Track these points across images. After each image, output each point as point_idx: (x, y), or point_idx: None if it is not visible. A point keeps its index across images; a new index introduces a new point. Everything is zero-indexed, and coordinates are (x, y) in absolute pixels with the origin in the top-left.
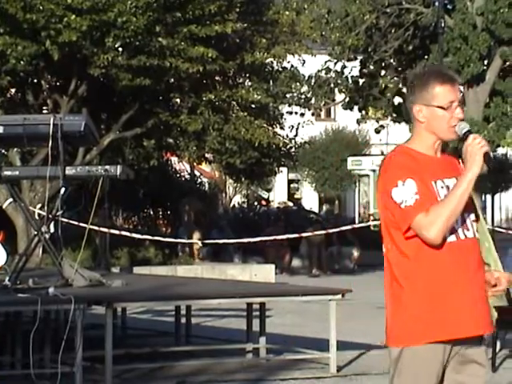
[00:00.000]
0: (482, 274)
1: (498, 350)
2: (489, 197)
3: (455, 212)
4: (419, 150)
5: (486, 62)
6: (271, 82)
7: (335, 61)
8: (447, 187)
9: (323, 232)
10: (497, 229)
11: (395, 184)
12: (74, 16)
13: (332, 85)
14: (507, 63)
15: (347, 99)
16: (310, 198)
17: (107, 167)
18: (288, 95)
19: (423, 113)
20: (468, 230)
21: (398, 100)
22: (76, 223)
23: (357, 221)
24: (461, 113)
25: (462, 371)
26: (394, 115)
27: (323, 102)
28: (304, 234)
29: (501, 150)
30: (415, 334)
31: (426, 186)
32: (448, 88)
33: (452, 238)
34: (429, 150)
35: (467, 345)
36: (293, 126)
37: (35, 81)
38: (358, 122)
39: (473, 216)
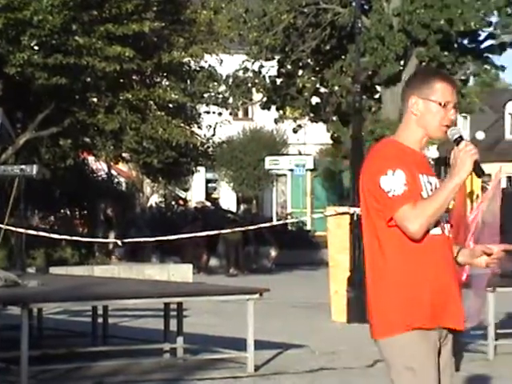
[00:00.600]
0: (456, 269)
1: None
2: None
3: (439, 211)
4: (406, 144)
5: (402, 62)
6: (189, 81)
7: (253, 60)
8: (430, 183)
9: (241, 229)
10: None
11: (385, 172)
12: None
13: (250, 84)
14: (423, 63)
15: (265, 99)
16: (227, 198)
17: (23, 167)
18: (206, 95)
19: (419, 106)
20: (445, 228)
21: (315, 99)
22: None
23: (274, 220)
24: (454, 114)
25: (444, 361)
26: (312, 115)
27: (241, 102)
28: (223, 231)
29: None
30: (401, 323)
31: (414, 179)
32: (448, 87)
33: (436, 231)
34: (415, 144)
35: (447, 334)
36: (210, 126)
37: None
38: (276, 121)
39: (447, 216)
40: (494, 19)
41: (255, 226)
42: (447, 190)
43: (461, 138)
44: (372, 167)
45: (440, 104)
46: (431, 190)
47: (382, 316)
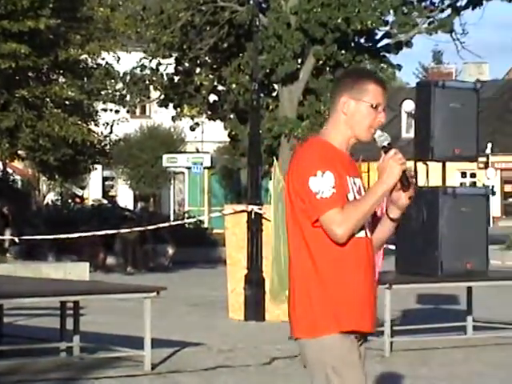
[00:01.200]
0: (375, 272)
1: None
2: None
3: (365, 217)
4: (333, 143)
5: (299, 61)
6: (86, 78)
7: (150, 58)
8: (355, 185)
9: (139, 229)
10: None
11: (314, 173)
12: None
13: (147, 82)
14: (320, 62)
15: (162, 96)
16: (125, 196)
17: None
18: (103, 92)
19: (350, 106)
20: (369, 229)
21: (213, 97)
22: None
23: (172, 218)
24: (384, 117)
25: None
26: (209, 113)
27: (138, 100)
28: (122, 230)
29: None
30: (328, 324)
31: (342, 181)
32: (381, 90)
33: (361, 234)
34: (342, 145)
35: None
36: (107, 123)
37: None
38: (174, 119)
39: (369, 218)
40: (390, 18)
41: (154, 226)
42: (374, 196)
43: (390, 146)
44: (300, 167)
45: (372, 106)
46: (357, 191)
47: (307, 316)
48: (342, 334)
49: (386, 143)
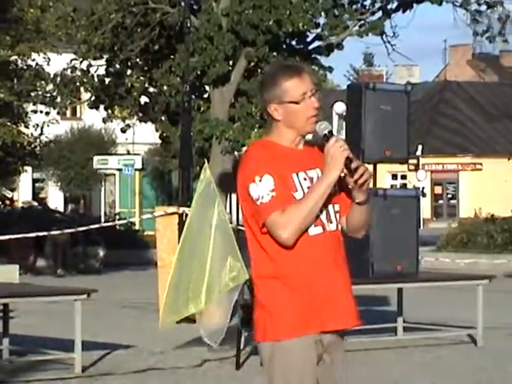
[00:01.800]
0: (346, 266)
1: (242, 347)
2: (234, 196)
3: (310, 214)
4: (281, 142)
5: (231, 63)
6: (15, 80)
7: (81, 59)
8: (311, 179)
9: (70, 230)
10: (241, 227)
11: (252, 179)
12: None
13: (78, 83)
14: (252, 64)
15: (93, 98)
16: (55, 198)
17: None
18: (33, 93)
19: (279, 111)
20: (331, 222)
21: (144, 99)
22: None
23: (103, 220)
24: (316, 102)
25: (331, 360)
26: (140, 114)
27: (69, 101)
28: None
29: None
30: (283, 328)
31: (285, 182)
32: (296, 81)
33: (316, 231)
34: (291, 143)
35: (333, 336)
36: (38, 125)
37: None
38: (104, 120)
39: (337, 207)
40: (321, 21)
41: (84, 228)
42: (318, 191)
43: (330, 134)
44: (242, 173)
45: (296, 102)
46: (309, 187)
47: (265, 319)
48: (300, 338)
49: (326, 131)
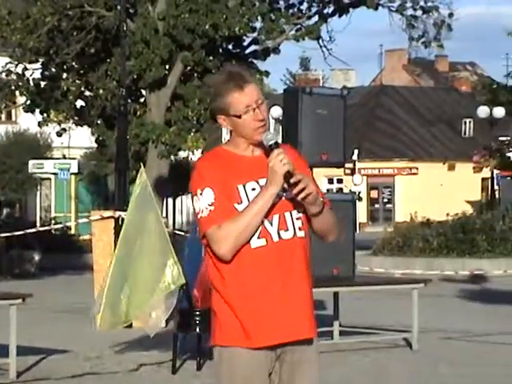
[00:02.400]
0: (303, 275)
1: (178, 351)
2: (170, 200)
3: (248, 228)
4: (234, 150)
5: (167, 67)
6: None
7: (16, 63)
8: (254, 190)
9: (5, 235)
10: (177, 232)
11: (195, 193)
12: None
13: (13, 87)
14: (188, 68)
15: (28, 102)
16: None
17: None
18: None
19: (227, 123)
20: (287, 230)
21: (80, 103)
22: None
23: (38, 224)
24: (261, 114)
25: (289, 373)
26: (76, 118)
27: (4, 105)
28: None
29: (182, 154)
30: (229, 337)
31: (228, 193)
32: (237, 95)
33: (259, 243)
34: (245, 151)
35: (291, 347)
36: None
37: None
38: (40, 124)
39: (297, 213)
40: (258, 25)
41: (20, 232)
42: (257, 206)
43: (276, 145)
44: (190, 186)
45: (239, 116)
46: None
47: (216, 325)
48: (248, 349)
49: (272, 142)
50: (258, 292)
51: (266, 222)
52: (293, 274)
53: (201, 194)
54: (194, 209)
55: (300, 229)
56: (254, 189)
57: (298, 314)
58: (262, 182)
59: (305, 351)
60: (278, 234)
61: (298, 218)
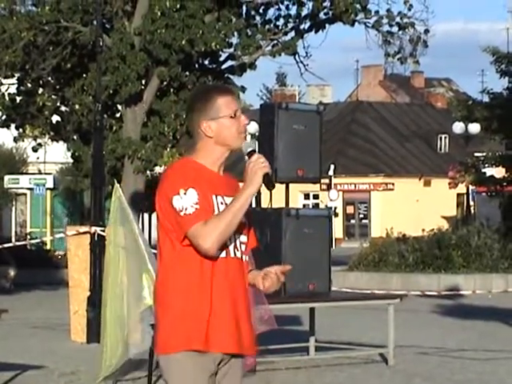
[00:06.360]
0: (247, 293)
1: (153, 367)
2: (146, 216)
3: (230, 226)
4: (204, 163)
5: (143, 82)
6: None
7: None
8: (226, 205)
9: None
10: (153, 250)
11: (177, 192)
12: None
13: None
14: (164, 83)
15: (4, 117)
16: None
17: None
18: None
19: (212, 127)
20: (237, 249)
21: (56, 118)
22: None
23: (13, 239)
24: (246, 119)
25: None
26: (52, 133)
27: None
28: None
29: (158, 169)
30: (177, 342)
31: (206, 198)
32: (229, 98)
33: (222, 254)
34: (214, 165)
35: (230, 358)
36: None
37: None
38: (15, 139)
39: (243, 238)
40: (234, 40)
41: None
42: (238, 204)
43: (253, 151)
44: (165, 187)
45: (231, 116)
46: None
47: (162, 332)
48: (190, 354)
49: (250, 149)
50: (219, 301)
51: None
52: (242, 291)
53: (184, 194)
54: (175, 207)
55: (243, 253)
56: (222, 203)
57: (247, 329)
58: (228, 200)
59: (235, 364)
60: (234, 251)
61: (242, 243)
